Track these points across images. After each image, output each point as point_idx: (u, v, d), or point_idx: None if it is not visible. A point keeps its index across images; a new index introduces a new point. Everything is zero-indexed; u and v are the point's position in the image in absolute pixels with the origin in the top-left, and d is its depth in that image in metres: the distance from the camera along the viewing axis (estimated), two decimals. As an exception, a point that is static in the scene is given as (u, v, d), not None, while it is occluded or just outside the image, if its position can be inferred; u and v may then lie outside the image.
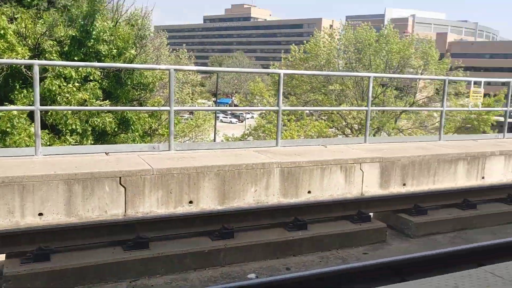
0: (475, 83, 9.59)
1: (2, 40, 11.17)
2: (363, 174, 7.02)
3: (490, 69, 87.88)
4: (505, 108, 10.23)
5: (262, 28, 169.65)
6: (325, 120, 28.22)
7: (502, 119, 16.96)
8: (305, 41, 32.10)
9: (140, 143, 14.06)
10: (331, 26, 34.56)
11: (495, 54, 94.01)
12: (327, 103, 28.50)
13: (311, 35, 33.74)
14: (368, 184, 7.08)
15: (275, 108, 7.83)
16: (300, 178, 6.56)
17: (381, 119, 27.63)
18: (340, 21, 37.86)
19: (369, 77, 8.64)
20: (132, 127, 13.81)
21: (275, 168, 6.40)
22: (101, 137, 13.68)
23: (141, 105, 14.83)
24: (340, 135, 28.89)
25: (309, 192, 6.66)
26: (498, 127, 24.38)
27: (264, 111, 29.16)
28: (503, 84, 18.40)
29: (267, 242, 5.11)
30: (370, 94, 8.63)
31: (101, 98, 13.16)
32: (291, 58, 31.83)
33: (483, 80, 9.64)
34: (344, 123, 28.85)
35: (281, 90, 7.57)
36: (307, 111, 28.10)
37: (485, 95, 11.30)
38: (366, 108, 8.44)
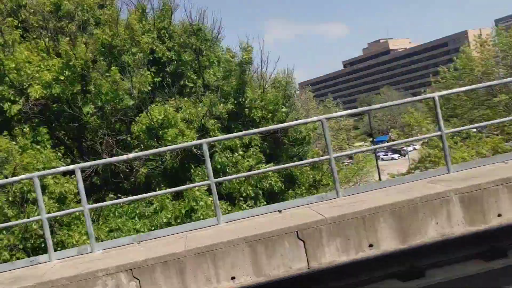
0: None
1: (174, 128, 12.71)
2: (561, 185, 6.11)
3: None
4: None
5: (404, 58, 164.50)
6: (497, 135, 25.55)
7: None
8: (454, 57, 30.12)
9: (307, 196, 14.37)
10: (479, 35, 31.94)
11: None
12: (496, 116, 25.89)
13: (458, 51, 31.61)
14: None
15: (437, 133, 7.39)
16: (485, 201, 5.97)
17: None
18: (491, 26, 34.85)
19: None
20: (297, 182, 14.24)
21: (452, 196, 5.94)
22: (271, 197, 14.34)
23: (301, 159, 15.29)
24: (520, 147, 25.78)
25: (499, 215, 6.00)
26: None
27: (426, 140, 27.59)
28: None
29: (466, 276, 4.69)
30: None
31: (264, 161, 13.95)
32: (441, 80, 30.03)
33: None
34: (522, 134, 25.75)
35: (439, 113, 7.15)
36: (474, 130, 25.82)
37: None
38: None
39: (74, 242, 10.88)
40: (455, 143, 23.36)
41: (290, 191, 14.70)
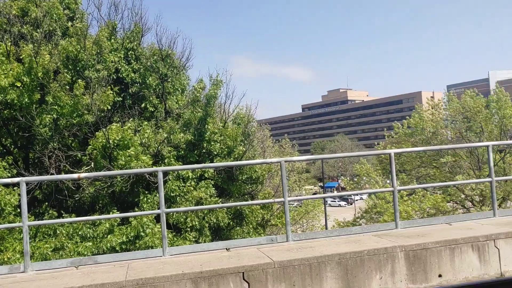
0: None
1: (129, 151, 12.43)
2: (499, 252, 6.39)
3: None
4: None
5: (360, 109, 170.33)
6: (440, 194, 26.61)
7: None
8: (407, 117, 31.51)
9: (254, 234, 14.29)
10: (432, 98, 33.71)
11: None
12: (441, 176, 27.06)
13: (412, 110, 33.11)
14: (507, 263, 6.40)
15: (390, 189, 7.62)
16: (428, 261, 6.15)
17: (504, 188, 25.40)
18: (443, 91, 36.86)
19: (487, 146, 8.14)
20: (246, 220, 14.17)
21: (399, 252, 6.09)
22: (217, 232, 14.17)
23: (252, 198, 15.28)
24: (460, 208, 26.93)
25: (440, 275, 6.17)
26: None
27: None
28: None
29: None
30: (491, 164, 8.09)
31: (215, 195, 13.82)
32: (394, 135, 31.23)
33: None
34: (462, 196, 26.94)
35: (394, 170, 7.40)
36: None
37: None
38: (490, 179, 7.87)
39: (6, 259, 10.24)
40: (401, 197, 24.12)
41: (237, 227, 14.58)
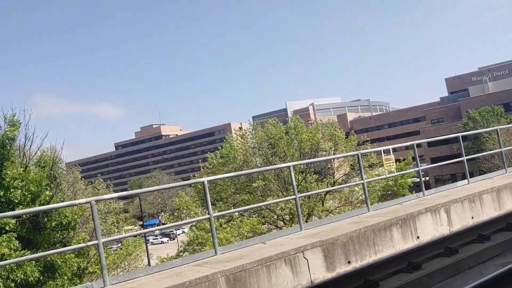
0: (384, 151, 10.27)
1: None
2: (308, 262, 6.99)
3: (391, 137, 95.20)
4: (417, 168, 10.96)
5: (175, 143, 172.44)
6: (256, 217, 28.28)
7: (417, 179, 18.04)
8: (219, 147, 32.99)
9: (70, 287, 13.04)
10: (240, 128, 36.08)
11: (392, 123, 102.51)
12: (254, 200, 28.81)
13: (223, 140, 34.84)
14: (315, 271, 7.03)
15: (206, 216, 7.75)
16: (248, 281, 6.37)
17: (308, 204, 28.25)
18: (249, 121, 39.65)
19: (289, 167, 8.92)
20: (59, 272, 12.85)
21: (219, 277, 6.18)
22: (26, 290, 12.53)
23: (65, 246, 13.97)
24: (274, 228, 28.93)
25: (259, 293, 6.44)
26: (415, 187, 25.85)
27: (194, 223, 28.65)
28: (407, 148, 19.80)
29: None
30: (294, 183, 8.88)
31: (20, 249, 12.25)
32: (209, 166, 32.31)
33: (390, 147, 10.37)
34: (275, 216, 29.07)
35: (208, 197, 7.56)
36: (237, 213, 28.05)
37: (396, 160, 12.09)
38: (294, 196, 8.62)
39: None
40: (220, 225, 24.88)
41: (49, 281, 13.12)
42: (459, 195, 9.66)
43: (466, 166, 11.60)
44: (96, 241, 6.51)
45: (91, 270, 15.07)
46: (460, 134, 12.21)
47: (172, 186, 8.34)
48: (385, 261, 7.01)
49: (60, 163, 16.93)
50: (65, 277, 13.17)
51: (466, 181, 11.77)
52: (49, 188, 13.76)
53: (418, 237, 8.43)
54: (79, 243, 13.97)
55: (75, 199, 22.99)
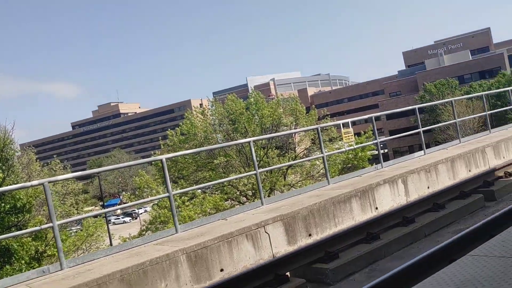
0: (343, 125, 10.35)
1: None
2: (269, 236, 7.00)
3: (351, 111, 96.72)
4: (376, 141, 11.13)
5: (134, 122, 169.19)
6: (219, 194, 28.26)
7: (376, 152, 18.42)
8: (180, 124, 32.56)
9: (28, 270, 12.71)
10: (201, 105, 35.69)
11: (352, 97, 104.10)
12: (216, 177, 28.74)
13: (184, 117, 34.38)
14: (277, 245, 7.05)
15: (166, 195, 7.60)
16: (209, 258, 6.32)
17: (270, 179, 28.44)
18: (207, 98, 39.20)
19: (249, 142, 8.85)
20: (16, 256, 12.47)
21: (180, 255, 6.09)
22: (-20, 278, 12.10)
23: (20, 229, 13.52)
24: (237, 204, 29.04)
25: (221, 270, 6.42)
26: (374, 160, 26.44)
27: (156, 202, 28.38)
28: (366, 121, 20.11)
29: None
30: (254, 158, 8.83)
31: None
32: (170, 143, 31.91)
33: (349, 121, 10.46)
34: (237, 192, 29.14)
35: (167, 175, 7.41)
36: (199, 190, 27.95)
37: (355, 134, 12.23)
38: (255, 172, 8.58)
39: None
40: (182, 203, 24.71)
41: (6, 266, 12.73)
42: (416, 166, 9.89)
43: (423, 138, 11.86)
44: (51, 224, 6.28)
45: (50, 253, 14.72)
46: (416, 106, 12.46)
47: (131, 164, 8.12)
48: (345, 233, 7.11)
49: (12, 144, 16.25)
50: (23, 261, 12.82)
51: (422, 152, 12.05)
52: (0, 170, 13.21)
53: (376, 208, 8.59)
54: (36, 226, 13.56)
55: (30, 181, 22.24)
